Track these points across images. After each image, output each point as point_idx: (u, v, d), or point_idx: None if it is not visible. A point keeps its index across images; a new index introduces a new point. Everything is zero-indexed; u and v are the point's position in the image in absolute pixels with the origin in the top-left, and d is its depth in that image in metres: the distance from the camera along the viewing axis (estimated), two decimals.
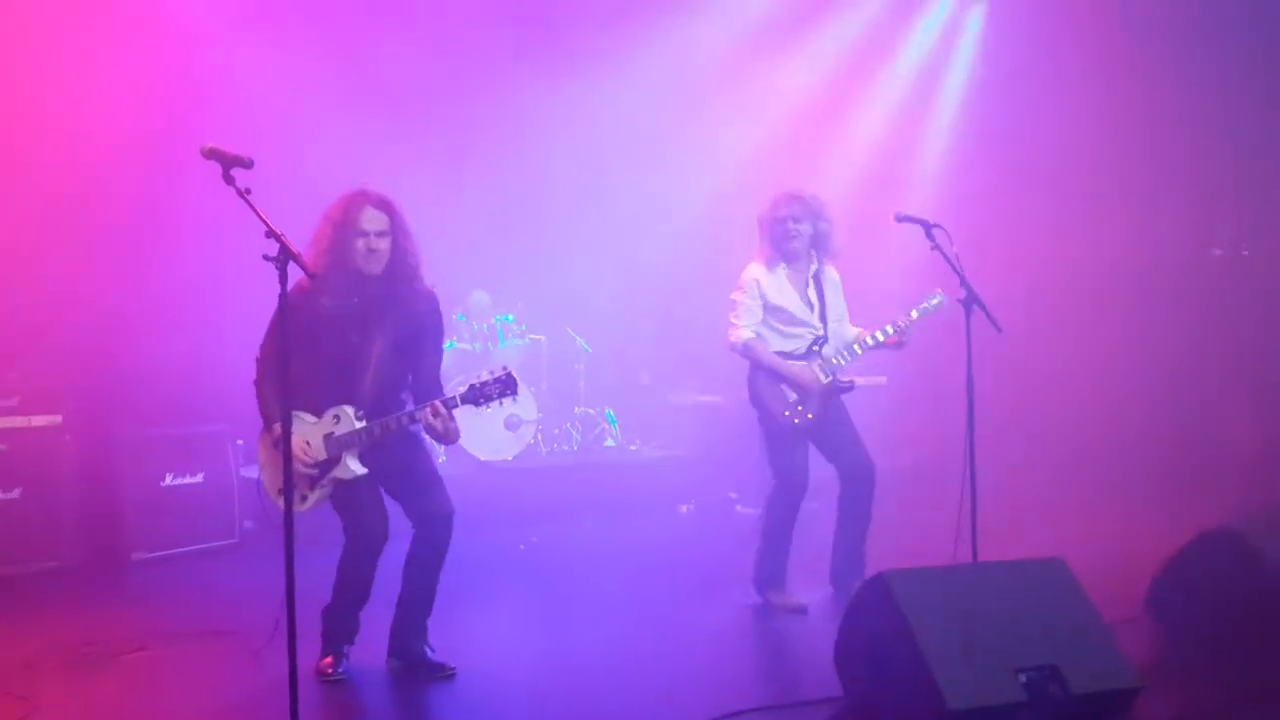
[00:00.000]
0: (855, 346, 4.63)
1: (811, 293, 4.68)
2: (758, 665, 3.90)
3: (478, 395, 3.51)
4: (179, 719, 3.47)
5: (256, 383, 3.74)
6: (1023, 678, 3.02)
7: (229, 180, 3.01)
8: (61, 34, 6.25)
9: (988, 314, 4.35)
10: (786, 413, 4.56)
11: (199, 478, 5.98)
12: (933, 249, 4.29)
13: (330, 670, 3.78)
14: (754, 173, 8.32)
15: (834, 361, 4.62)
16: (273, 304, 3.13)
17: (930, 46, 8.57)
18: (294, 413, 3.54)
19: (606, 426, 8.17)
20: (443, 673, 3.79)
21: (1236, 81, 7.28)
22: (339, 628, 3.86)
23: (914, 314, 4.56)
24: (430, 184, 8.04)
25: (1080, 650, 3.15)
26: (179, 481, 5.90)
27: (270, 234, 2.96)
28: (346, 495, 3.73)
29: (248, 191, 2.99)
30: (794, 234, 4.59)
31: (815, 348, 4.65)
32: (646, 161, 8.46)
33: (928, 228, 4.31)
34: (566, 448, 7.92)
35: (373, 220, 3.64)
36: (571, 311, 8.46)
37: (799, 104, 8.49)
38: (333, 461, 3.68)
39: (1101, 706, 3.12)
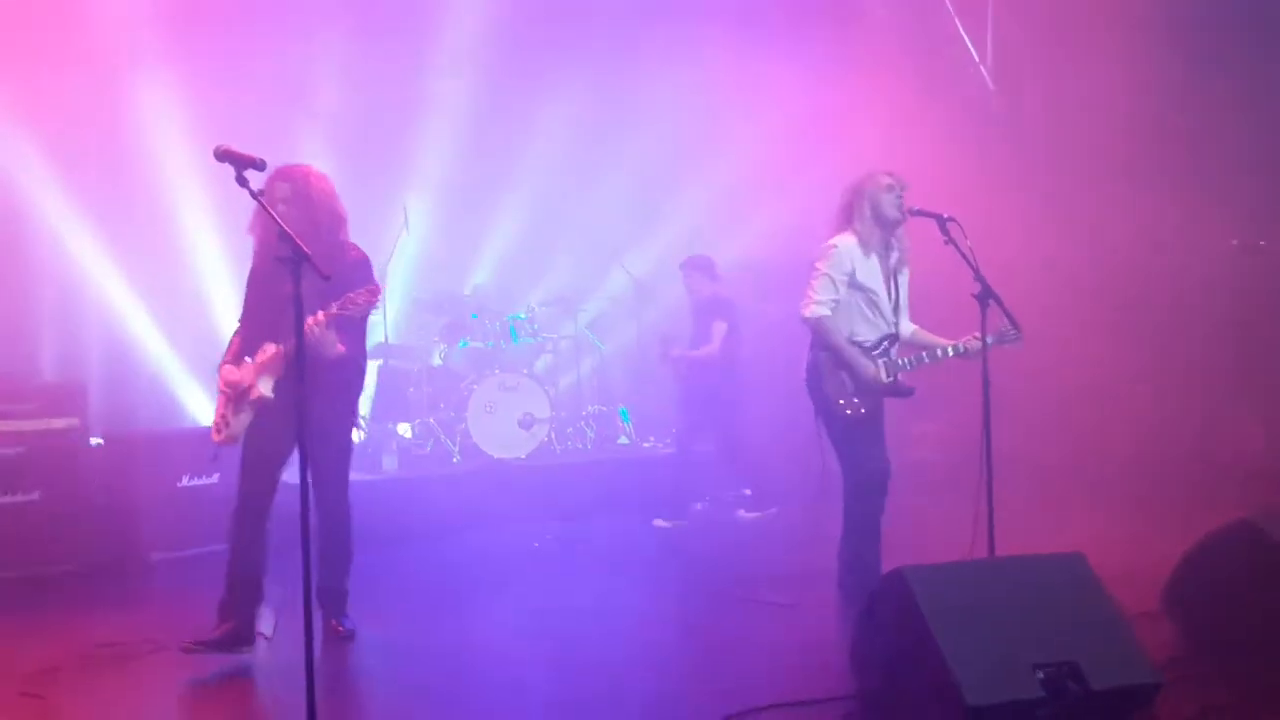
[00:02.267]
0: (925, 356, 4.54)
1: (893, 285, 4.57)
2: (773, 662, 3.88)
3: (348, 304, 3.76)
4: (203, 714, 3.48)
5: None
6: (1041, 674, 2.99)
7: (242, 182, 3.03)
8: None
9: (1004, 309, 4.32)
10: (841, 401, 4.45)
11: (215, 478, 6.00)
12: (946, 243, 4.25)
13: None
14: (765, 169, 8.34)
15: (899, 363, 4.54)
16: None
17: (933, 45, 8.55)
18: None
19: (620, 424, 8.17)
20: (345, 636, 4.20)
21: (1245, 65, 7.22)
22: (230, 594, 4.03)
23: (989, 340, 4.34)
24: (448, 183, 8.11)
25: (1099, 646, 3.12)
26: (195, 482, 5.94)
27: (283, 235, 2.97)
28: (251, 427, 4.02)
29: (261, 193, 3.01)
30: (901, 205, 4.41)
31: (886, 344, 4.53)
32: (660, 157, 8.47)
33: (941, 221, 4.27)
34: (580, 445, 7.93)
35: (277, 190, 3.92)
36: (585, 309, 8.47)
37: (808, 101, 8.47)
38: (250, 386, 3.97)
39: (1121, 702, 3.10)
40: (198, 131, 6.53)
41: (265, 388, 3.95)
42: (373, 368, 7.75)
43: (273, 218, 3.01)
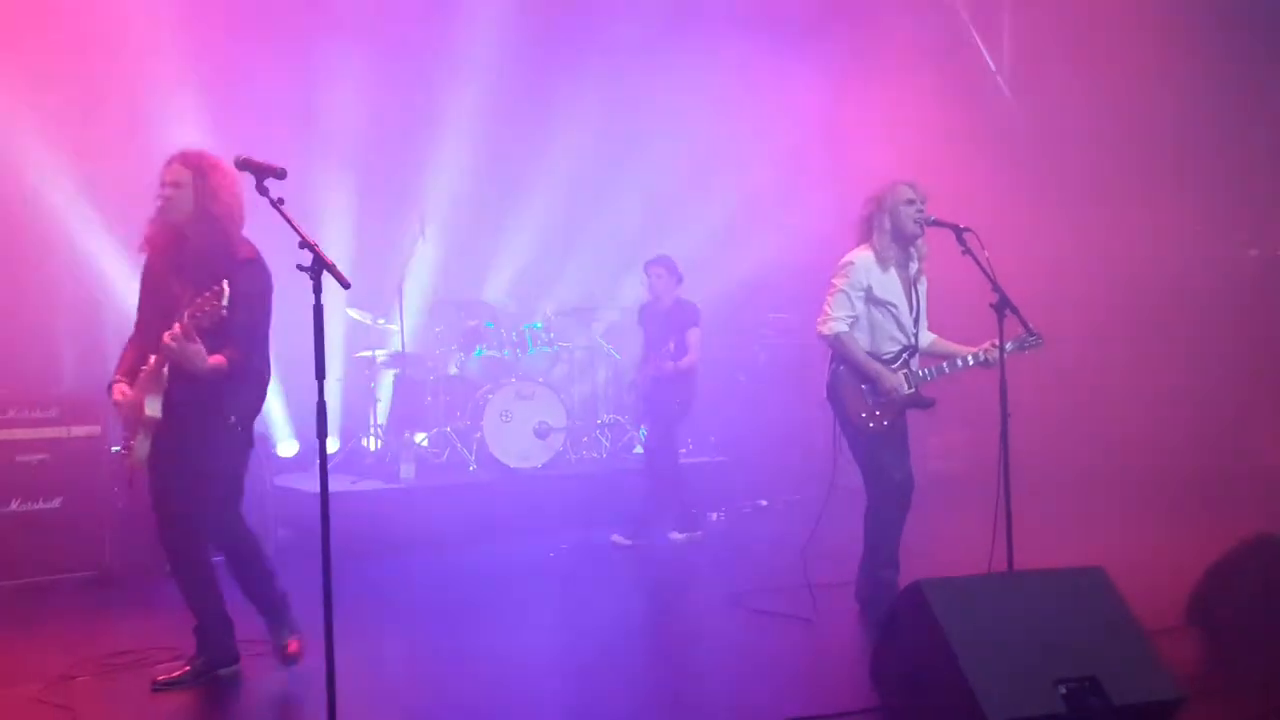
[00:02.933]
0: (945, 366, 4.52)
1: (913, 296, 4.55)
2: (791, 676, 3.87)
3: (197, 312, 3.44)
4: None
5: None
6: (1062, 689, 2.96)
7: (262, 191, 3.05)
8: None
9: (1021, 319, 4.30)
10: (863, 414, 4.43)
11: None
12: (963, 253, 4.23)
13: None
14: (780, 179, 8.34)
15: (919, 374, 4.52)
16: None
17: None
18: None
19: (635, 434, 8.16)
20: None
21: (1263, 70, 7.18)
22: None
23: (1010, 346, 4.32)
24: (465, 192, 8.14)
25: (1121, 661, 3.09)
26: None
27: (304, 244, 2.99)
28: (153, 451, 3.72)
29: (281, 201, 3.03)
30: (921, 218, 4.39)
31: (905, 355, 4.52)
32: (675, 167, 8.48)
33: (958, 232, 4.26)
34: (595, 455, 7.92)
35: (171, 172, 3.70)
36: (599, 319, 8.47)
37: (824, 111, 8.48)
38: (139, 405, 3.62)
39: (1142, 718, 3.07)
40: (218, 143, 6.57)
41: (152, 408, 3.60)
42: (389, 377, 7.78)
43: (290, 223, 3.01)
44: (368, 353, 7.62)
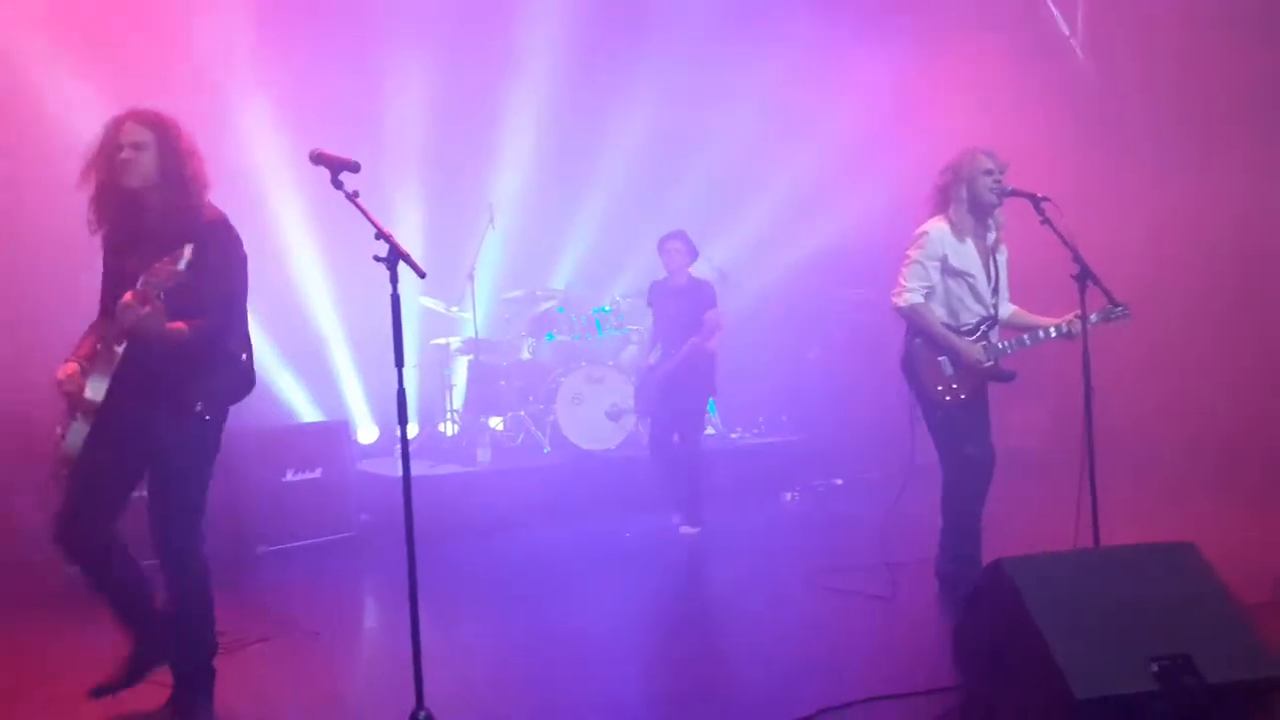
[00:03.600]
0: (1026, 338, 4.42)
1: (991, 267, 4.46)
2: (870, 655, 3.84)
3: (155, 274, 3.11)
4: (304, 706, 3.61)
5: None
6: (1154, 666, 2.89)
7: (337, 184, 3.10)
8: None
9: (1104, 290, 4.19)
10: (939, 387, 4.35)
11: (317, 473, 6.21)
12: (1042, 223, 4.13)
13: None
14: (850, 152, 8.21)
15: (999, 346, 4.43)
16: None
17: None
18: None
19: (706, 414, 8.15)
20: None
21: None
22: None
23: (1094, 318, 4.23)
24: (533, 179, 8.19)
25: (1215, 638, 2.99)
26: (299, 477, 6.14)
27: (380, 235, 3.04)
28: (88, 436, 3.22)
29: (356, 194, 3.08)
30: (999, 188, 4.30)
31: (984, 327, 4.43)
32: (742, 144, 8.42)
33: (1036, 201, 4.16)
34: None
35: (130, 133, 3.28)
36: None
37: (893, 81, 8.31)
38: (81, 386, 3.21)
39: (1239, 697, 2.97)
40: (290, 135, 6.74)
41: (94, 390, 3.18)
42: (464, 363, 7.90)
43: (366, 215, 3.05)
44: (442, 340, 7.75)
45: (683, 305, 6.12)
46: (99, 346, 3.22)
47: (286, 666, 4.01)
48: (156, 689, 3.58)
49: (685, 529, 6.03)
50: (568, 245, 8.72)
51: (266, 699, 3.62)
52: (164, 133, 3.31)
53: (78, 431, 3.20)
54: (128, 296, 3.10)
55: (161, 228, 3.25)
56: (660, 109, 8.33)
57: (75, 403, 3.20)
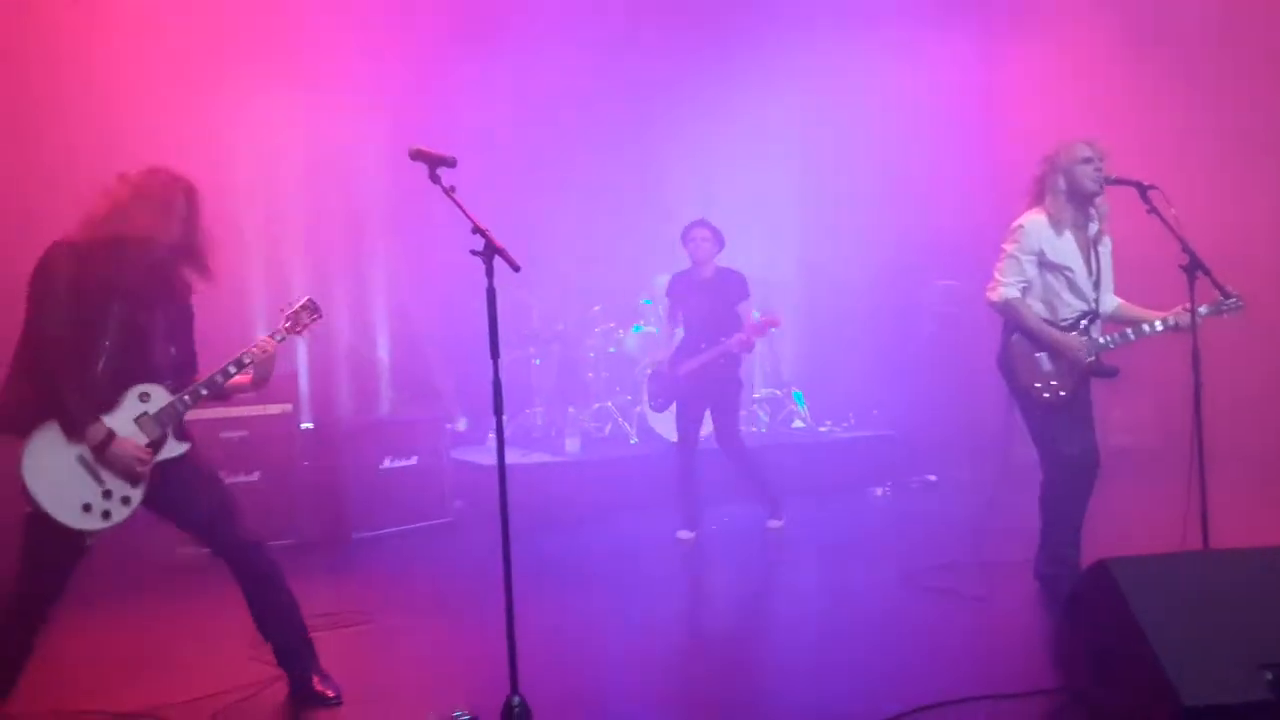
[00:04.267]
0: (1130, 332, 4.25)
1: (1093, 259, 4.32)
2: (966, 655, 3.77)
3: (295, 325, 3.51)
4: (403, 686, 3.71)
5: (54, 377, 3.15)
6: (1268, 675, 2.77)
7: (435, 179, 3.17)
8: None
9: (1214, 281, 4.02)
10: (1038, 384, 4.23)
11: (413, 460, 6.38)
12: (1149, 212, 3.98)
13: None
14: (947, 141, 8.03)
15: (1101, 341, 4.28)
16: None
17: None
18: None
19: (794, 407, 8.10)
20: (328, 701, 3.51)
21: None
22: None
23: (1204, 310, 4.08)
24: (619, 172, 8.24)
25: None
26: (396, 465, 6.32)
27: (476, 229, 3.10)
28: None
29: (452, 189, 3.15)
30: (1099, 177, 4.16)
31: (1084, 322, 4.29)
32: (830, 134, 8.31)
33: (1142, 189, 4.01)
34: (754, 429, 7.91)
35: (176, 190, 3.39)
36: (758, 291, 8.42)
37: (994, 66, 8.10)
38: (159, 444, 3.31)
39: None
40: (383, 135, 6.93)
41: (175, 444, 3.36)
42: (552, 354, 8.01)
43: (463, 210, 3.12)
44: (532, 331, 7.87)
45: (711, 298, 5.82)
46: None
47: (384, 649, 4.13)
48: (259, 665, 3.74)
49: (773, 523, 5.94)
50: (654, 236, 8.74)
51: (365, 680, 3.73)
52: (193, 197, 3.41)
53: (140, 493, 3.27)
54: (271, 343, 3.44)
55: (180, 292, 3.45)
56: (747, 99, 8.28)
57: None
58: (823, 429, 8.00)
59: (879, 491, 7.04)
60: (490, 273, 3.11)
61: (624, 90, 8.19)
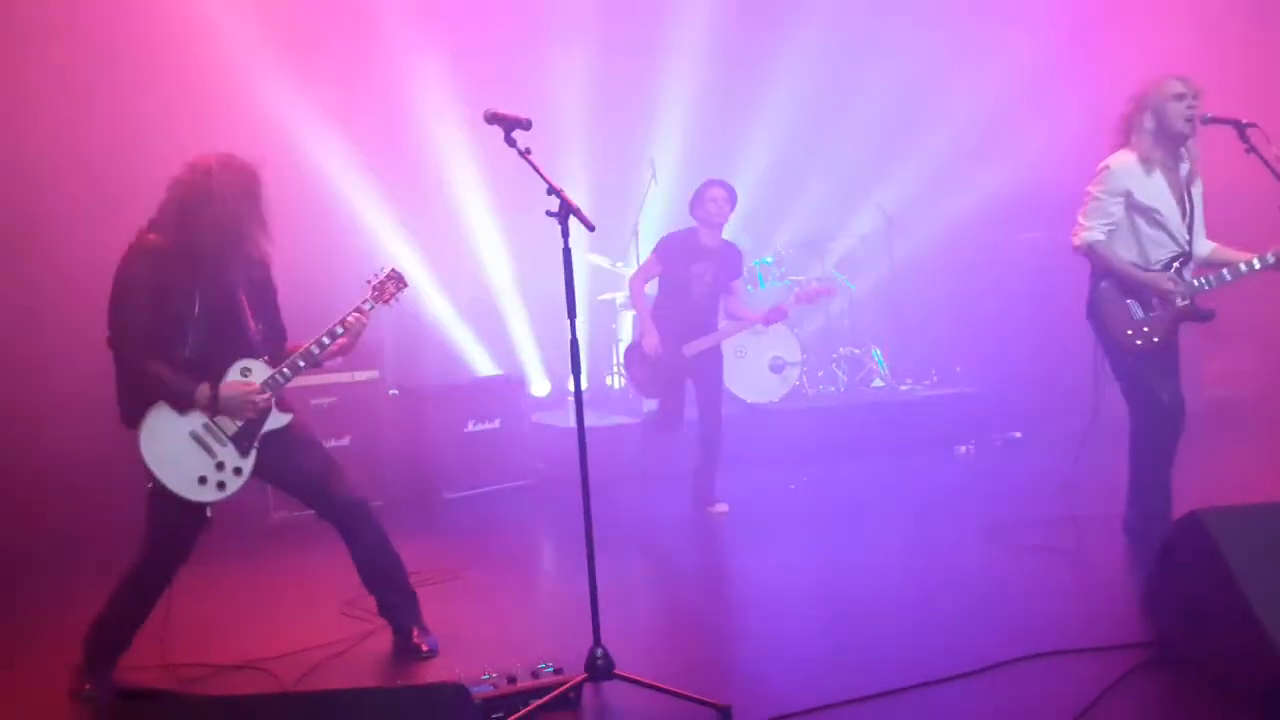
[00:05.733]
0: (1226, 273, 4.07)
1: (1186, 201, 4.15)
2: (1054, 609, 3.70)
3: (381, 295, 3.64)
4: (490, 639, 3.82)
5: (141, 361, 3.33)
6: None
7: (510, 142, 3.20)
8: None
9: None
10: (1129, 331, 4.10)
11: (496, 424, 6.52)
12: (1248, 152, 3.81)
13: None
14: (1024, 87, 7.77)
15: (1195, 284, 4.12)
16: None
17: None
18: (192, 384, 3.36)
19: (874, 366, 8.01)
20: (422, 655, 3.66)
21: None
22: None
23: None
24: (693, 132, 8.19)
25: None
26: (479, 428, 6.47)
27: (551, 190, 3.13)
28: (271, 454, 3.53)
29: (528, 151, 3.18)
30: (1191, 115, 4.00)
31: (1177, 265, 4.13)
32: (910, 81, 8.12)
33: (1240, 128, 3.84)
34: (833, 389, 7.86)
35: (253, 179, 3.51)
36: (832, 249, 8.32)
37: (1074, 7, 7.78)
38: (263, 416, 3.52)
39: None
40: (462, 99, 7.01)
41: (279, 415, 3.56)
42: (629, 318, 8.04)
43: (538, 171, 3.13)
44: (609, 296, 7.90)
45: (712, 269, 5.38)
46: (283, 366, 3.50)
47: (471, 604, 4.25)
48: (352, 621, 3.89)
49: (720, 507, 5.51)
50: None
51: (455, 634, 3.86)
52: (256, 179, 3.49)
53: (250, 464, 3.48)
54: (364, 313, 3.59)
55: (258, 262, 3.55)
56: (821, 50, 8.12)
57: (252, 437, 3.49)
58: (904, 387, 7.90)
59: (962, 449, 6.93)
60: (566, 233, 3.14)
61: (699, 48, 8.11)
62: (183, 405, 3.36)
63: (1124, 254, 4.15)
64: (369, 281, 3.69)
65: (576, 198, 3.18)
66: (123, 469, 3.44)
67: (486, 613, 4.14)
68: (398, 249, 7.14)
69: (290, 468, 3.60)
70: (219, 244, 3.37)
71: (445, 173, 7.40)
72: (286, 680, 3.44)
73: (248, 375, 3.46)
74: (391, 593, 3.75)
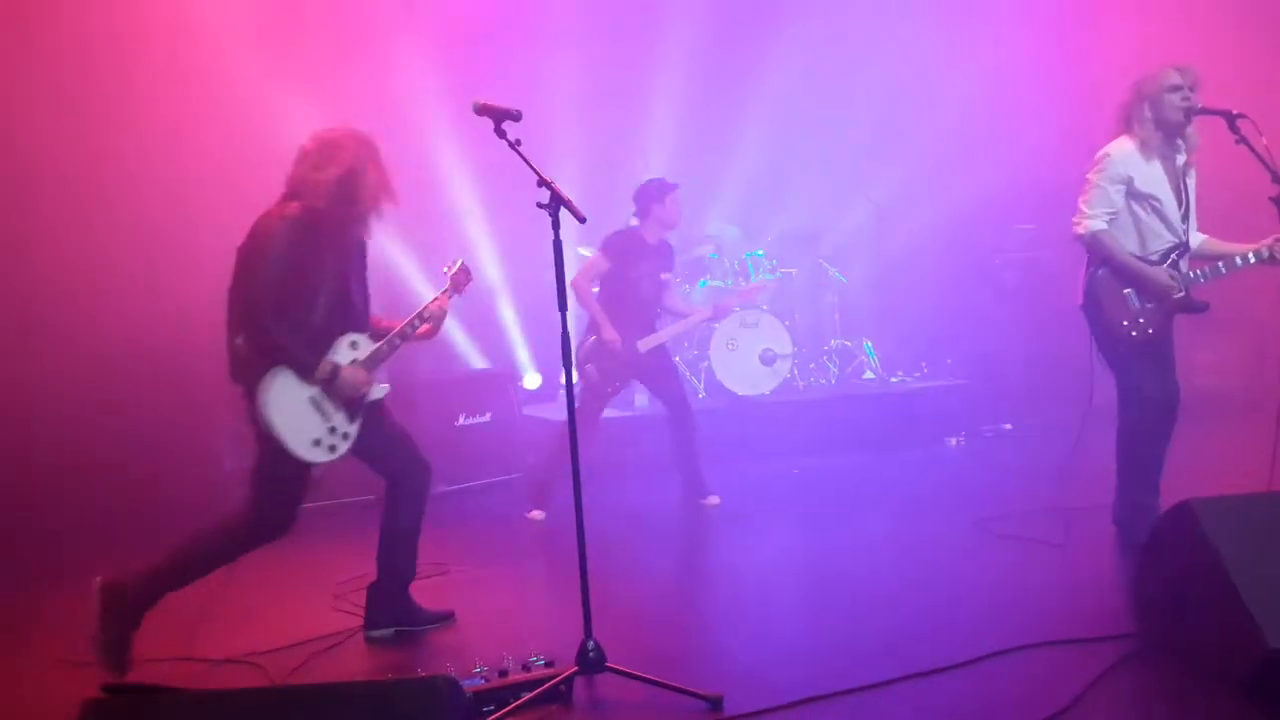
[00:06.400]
0: (1220, 265, 4.10)
1: (1182, 191, 4.16)
2: (1041, 601, 3.72)
3: (458, 285, 3.99)
4: (481, 633, 3.82)
5: (269, 331, 3.44)
6: None
7: (500, 133, 3.19)
8: None
9: None
10: (1125, 322, 4.11)
11: (487, 417, 6.50)
12: (1237, 142, 3.83)
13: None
14: (1017, 79, 7.78)
15: (1190, 275, 4.14)
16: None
17: None
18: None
19: (865, 358, 8.02)
20: (444, 621, 3.88)
21: None
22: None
23: None
24: (687, 122, 8.17)
25: None
26: (470, 421, 6.46)
27: (541, 182, 3.12)
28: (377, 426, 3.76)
29: (518, 142, 3.16)
30: (1188, 105, 4.00)
31: (1174, 255, 4.14)
32: (901, 75, 8.12)
33: (1231, 119, 3.85)
34: (824, 381, 7.87)
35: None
36: (824, 242, 8.32)
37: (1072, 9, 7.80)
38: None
39: None
40: (451, 89, 6.98)
41: (380, 386, 3.79)
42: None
43: (528, 163, 3.13)
44: (598, 288, 7.88)
45: (656, 266, 5.46)
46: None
47: (462, 598, 4.24)
48: (343, 615, 3.87)
49: (712, 499, 5.51)
50: (722, 189, 8.69)
51: (446, 628, 3.85)
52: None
53: (355, 430, 3.69)
54: (444, 304, 3.92)
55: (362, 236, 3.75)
56: (814, 43, 8.12)
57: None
58: (894, 379, 7.92)
59: (953, 441, 6.95)
60: (556, 225, 3.12)
61: (692, 45, 8.09)
62: (306, 377, 3.49)
63: (1125, 242, 4.16)
64: (445, 271, 3.99)
65: (568, 190, 3.17)
66: (101, 465, 3.42)
67: (478, 606, 4.13)
68: (386, 241, 7.11)
69: (388, 431, 3.81)
70: (350, 214, 3.56)
71: (434, 164, 7.37)
72: (277, 674, 3.43)
73: (355, 348, 3.65)
74: (394, 557, 3.85)
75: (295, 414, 3.47)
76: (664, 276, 5.56)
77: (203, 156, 6.24)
